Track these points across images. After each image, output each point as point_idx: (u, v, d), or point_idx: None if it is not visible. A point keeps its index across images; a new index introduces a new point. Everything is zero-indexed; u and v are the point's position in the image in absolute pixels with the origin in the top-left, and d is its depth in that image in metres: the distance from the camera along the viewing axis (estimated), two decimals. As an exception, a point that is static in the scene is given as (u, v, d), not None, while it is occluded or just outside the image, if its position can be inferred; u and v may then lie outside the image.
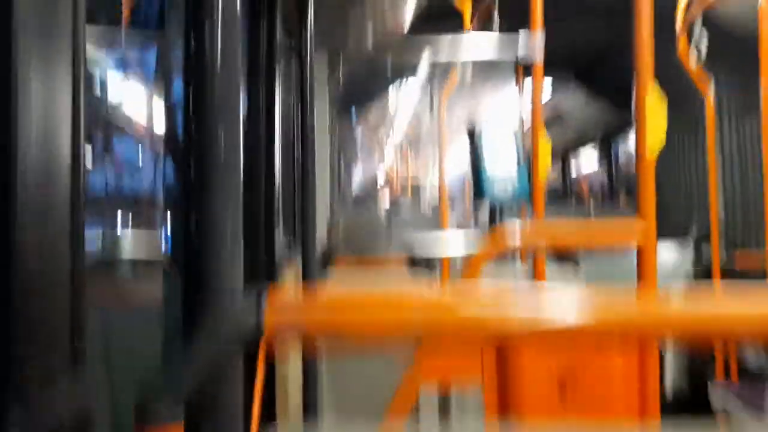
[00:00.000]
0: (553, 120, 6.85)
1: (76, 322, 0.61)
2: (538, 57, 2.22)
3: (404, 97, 7.66)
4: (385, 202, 11.58)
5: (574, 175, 9.77)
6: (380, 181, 14.69)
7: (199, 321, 0.81)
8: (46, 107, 0.57)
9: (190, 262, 0.90)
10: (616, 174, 7.56)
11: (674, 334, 0.68)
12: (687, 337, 0.69)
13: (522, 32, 2.20)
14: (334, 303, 0.61)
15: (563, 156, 8.50)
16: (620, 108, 5.68)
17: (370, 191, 13.89)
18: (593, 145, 7.98)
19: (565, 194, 8.06)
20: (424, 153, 11.36)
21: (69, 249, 0.60)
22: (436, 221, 5.80)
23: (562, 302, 0.64)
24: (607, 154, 7.62)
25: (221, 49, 0.90)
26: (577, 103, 6.31)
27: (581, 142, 8.03)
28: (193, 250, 0.86)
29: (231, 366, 0.72)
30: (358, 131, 10.46)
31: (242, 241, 0.88)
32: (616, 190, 7.49)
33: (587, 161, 9.90)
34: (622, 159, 7.70)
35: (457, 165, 10.71)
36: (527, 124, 2.67)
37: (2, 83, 0.53)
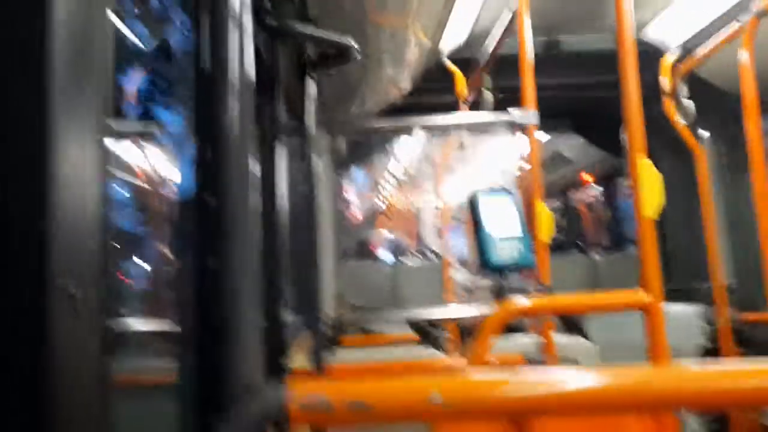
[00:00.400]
0: (554, 159, 6.90)
1: (105, 416, 0.61)
2: (533, 122, 2.28)
3: (403, 154, 7.78)
4: (388, 253, 11.50)
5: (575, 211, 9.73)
6: (381, 232, 14.68)
7: (219, 410, 0.81)
8: (76, 166, 0.60)
9: (206, 347, 0.91)
10: (618, 215, 7.46)
11: (688, 408, 0.69)
12: (701, 409, 0.70)
13: (514, 111, 2.27)
14: (355, 391, 0.62)
15: (564, 195, 8.48)
16: (618, 157, 5.71)
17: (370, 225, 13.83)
18: (595, 185, 7.93)
19: (568, 235, 7.97)
20: (425, 185, 11.41)
21: (97, 325, 0.62)
22: (441, 270, 5.76)
23: (577, 379, 0.65)
24: (609, 195, 7.53)
25: (236, 137, 0.93)
26: (576, 144, 6.35)
27: (582, 182, 8.01)
28: (210, 336, 0.87)
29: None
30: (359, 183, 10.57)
31: (260, 327, 0.90)
32: (621, 231, 7.36)
33: (589, 200, 9.88)
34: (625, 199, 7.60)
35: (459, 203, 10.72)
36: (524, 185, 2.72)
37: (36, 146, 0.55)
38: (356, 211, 12.76)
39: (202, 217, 0.96)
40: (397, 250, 8.36)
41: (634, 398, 0.66)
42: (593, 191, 8.70)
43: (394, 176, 10.52)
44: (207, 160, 0.94)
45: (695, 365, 0.71)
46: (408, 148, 7.90)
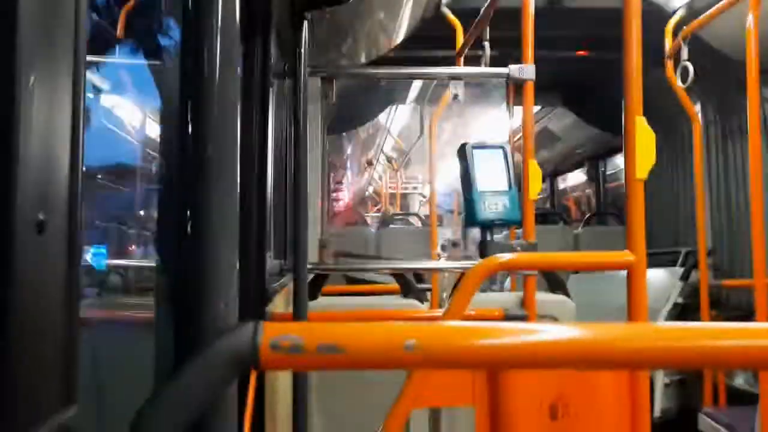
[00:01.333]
0: (543, 138, 6.91)
1: (70, 347, 0.60)
2: (530, 78, 2.24)
3: (396, 115, 7.71)
4: (374, 218, 11.59)
5: (562, 192, 9.85)
6: (370, 197, 14.76)
7: (192, 347, 0.80)
8: (47, 115, 0.58)
9: (182, 286, 0.90)
10: (604, 193, 7.62)
11: (663, 365, 0.69)
12: (676, 367, 0.70)
13: (512, 66, 2.23)
14: (329, 333, 0.61)
15: (552, 174, 8.55)
16: (609, 133, 5.75)
17: (360, 206, 13.92)
18: (582, 164, 8.03)
19: (553, 211, 8.10)
20: (414, 166, 11.44)
21: (65, 256, 0.60)
22: (426, 235, 5.82)
23: (552, 333, 0.65)
24: (595, 174, 7.68)
25: (219, 73, 0.91)
26: (566, 122, 6.38)
27: (570, 160, 8.08)
28: (186, 275, 0.86)
29: (223, 397, 0.72)
30: (349, 147, 10.52)
31: (237, 267, 0.88)
32: (604, 208, 7.53)
33: (575, 180, 9.99)
34: (610, 178, 7.76)
35: (448, 181, 10.79)
36: (518, 145, 2.70)
37: (5, 91, 0.53)
38: (345, 190, 12.76)
39: (183, 157, 0.93)
40: (383, 221, 8.38)
41: (607, 354, 0.66)
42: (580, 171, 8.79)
43: (383, 154, 10.47)
44: (189, 100, 0.92)
45: (670, 324, 0.70)
46: (398, 124, 7.83)
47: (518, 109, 2.44)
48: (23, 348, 0.54)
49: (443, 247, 8.27)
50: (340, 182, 12.71)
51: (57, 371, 0.59)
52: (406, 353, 0.61)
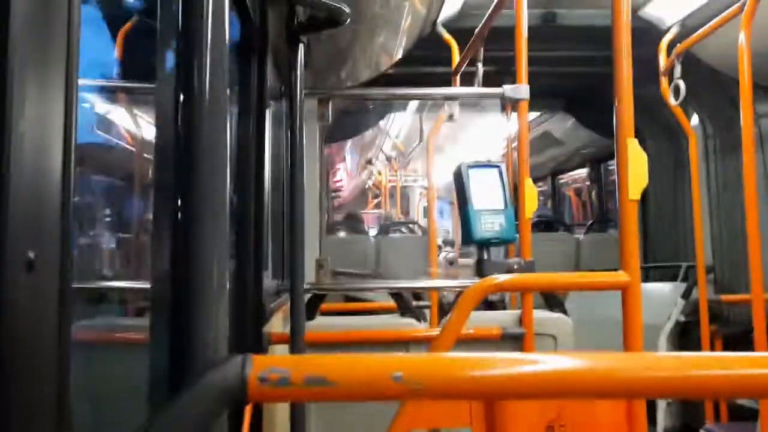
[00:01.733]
0: (543, 140, 6.91)
1: (63, 380, 0.61)
2: (524, 98, 2.26)
3: (395, 123, 7.74)
4: (373, 224, 11.55)
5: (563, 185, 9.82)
6: (370, 195, 14.75)
7: (183, 379, 0.80)
8: (39, 117, 0.58)
9: (173, 316, 0.90)
10: (605, 196, 7.56)
11: (659, 395, 0.69)
12: (672, 397, 0.70)
13: (506, 87, 2.24)
14: (317, 367, 0.61)
15: (553, 177, 8.51)
16: (610, 138, 5.72)
17: (359, 212, 13.91)
18: (583, 165, 7.98)
19: (555, 218, 8.07)
20: (414, 161, 11.47)
21: (58, 270, 0.60)
22: (426, 244, 5.80)
23: (545, 364, 0.65)
24: (596, 176, 7.60)
25: (209, 91, 0.92)
26: (567, 125, 6.36)
27: (571, 162, 8.04)
28: (177, 306, 0.86)
29: (215, 428, 0.72)
30: (347, 152, 10.54)
31: (226, 298, 0.89)
32: (606, 212, 7.47)
33: (577, 182, 9.97)
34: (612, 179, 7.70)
35: (446, 176, 10.74)
36: (514, 160, 2.70)
37: None
38: (345, 187, 12.76)
39: (175, 179, 0.94)
40: (384, 225, 8.40)
41: (602, 386, 0.66)
42: (582, 174, 8.76)
43: (383, 153, 10.50)
44: (181, 120, 0.93)
45: (668, 354, 0.71)
46: (398, 125, 7.87)
47: (515, 115, 2.45)
48: (16, 387, 0.54)
49: (444, 242, 8.26)
50: (338, 184, 12.72)
51: (50, 408, 0.59)
52: (395, 385, 0.62)
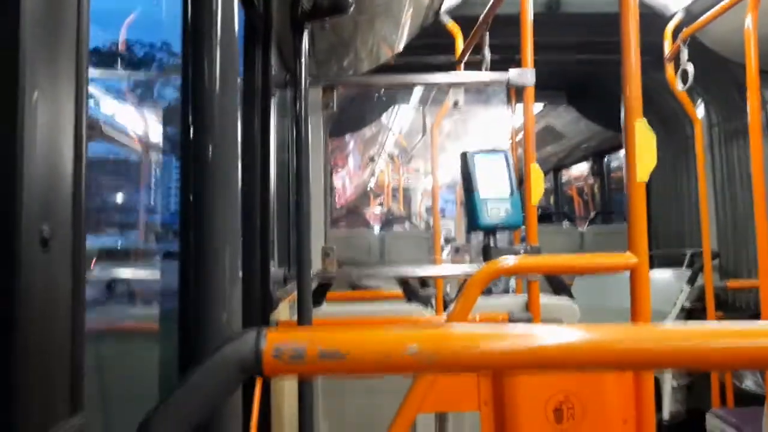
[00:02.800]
0: (545, 134, 6.90)
1: (76, 357, 0.61)
2: (530, 83, 2.25)
3: (398, 115, 7.73)
4: (377, 218, 11.58)
5: (566, 188, 9.83)
6: (372, 195, 14.78)
7: (196, 355, 0.81)
8: (50, 120, 0.58)
9: (187, 294, 0.91)
10: (608, 189, 7.57)
11: (667, 366, 0.69)
12: (680, 367, 0.70)
13: (511, 71, 2.23)
14: (331, 340, 0.62)
15: (555, 170, 8.51)
16: (612, 130, 5.73)
17: (362, 205, 13.94)
18: (586, 159, 7.98)
19: (558, 211, 8.07)
20: (416, 159, 11.48)
21: (70, 269, 0.61)
22: (429, 238, 5.81)
23: (556, 334, 0.65)
24: (599, 170, 7.62)
25: (219, 81, 0.92)
26: (569, 119, 6.36)
27: (573, 156, 8.05)
28: (190, 283, 0.87)
29: (228, 402, 0.72)
30: (350, 147, 10.54)
31: (240, 276, 0.89)
32: (609, 204, 7.49)
33: (580, 175, 9.97)
34: (614, 174, 7.72)
35: (449, 173, 10.77)
36: (520, 143, 2.70)
37: (8, 107, 0.54)
38: (347, 186, 12.77)
39: (186, 168, 0.95)
40: (387, 220, 8.42)
41: (612, 356, 0.66)
42: (584, 167, 8.75)
43: (385, 151, 10.51)
44: (191, 110, 0.93)
45: (675, 325, 0.71)
46: (400, 120, 7.85)
47: (520, 107, 2.44)
48: (31, 361, 0.54)
49: (446, 240, 8.28)
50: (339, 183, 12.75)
51: (64, 382, 0.59)
52: (409, 358, 0.62)
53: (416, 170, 13.10)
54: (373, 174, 13.08)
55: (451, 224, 11.53)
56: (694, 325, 0.69)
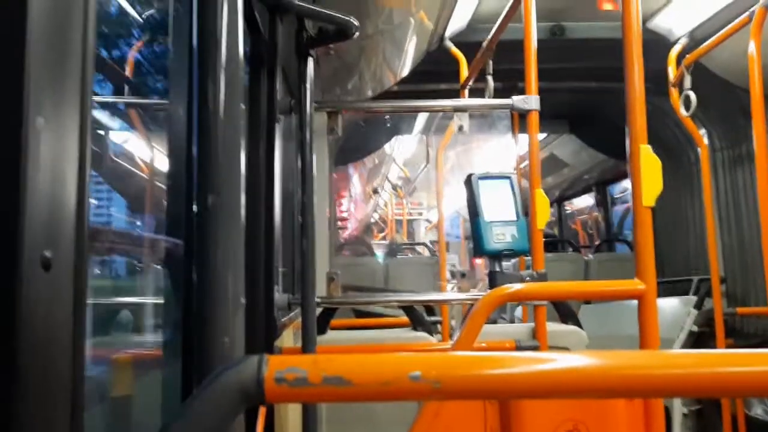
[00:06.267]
0: (549, 163, 6.91)
1: (77, 381, 0.60)
2: (534, 108, 2.26)
3: (401, 145, 7.77)
4: (380, 246, 11.56)
5: (569, 215, 9.82)
6: (375, 224, 14.79)
7: (198, 383, 0.80)
8: (53, 143, 0.58)
9: (190, 321, 0.90)
10: (611, 218, 7.57)
11: (679, 393, 0.68)
12: (690, 395, 0.68)
13: (515, 98, 2.25)
14: (334, 366, 0.60)
15: (559, 199, 8.52)
16: (615, 158, 5.75)
17: (366, 234, 13.94)
18: (589, 189, 8.00)
19: (563, 239, 8.05)
20: (419, 193, 11.50)
21: (72, 292, 0.60)
22: (434, 265, 5.77)
23: (565, 362, 0.64)
24: (603, 199, 7.64)
25: (224, 108, 0.92)
26: (572, 148, 6.38)
27: (577, 186, 8.06)
28: (193, 310, 0.86)
29: (230, 429, 0.71)
30: (354, 179, 10.57)
31: (243, 302, 0.88)
32: (613, 233, 7.48)
33: (583, 204, 9.97)
34: (618, 203, 7.73)
35: (452, 206, 10.75)
36: (524, 172, 2.70)
37: (12, 130, 0.54)
38: (352, 216, 12.82)
39: (189, 194, 0.95)
40: (390, 249, 8.41)
41: (624, 382, 0.64)
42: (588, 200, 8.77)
43: (389, 182, 10.55)
44: (195, 137, 0.93)
45: (685, 352, 0.69)
46: (403, 151, 7.90)
47: (523, 136, 2.45)
48: (30, 386, 0.54)
49: (452, 274, 8.25)
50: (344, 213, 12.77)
51: (63, 408, 0.58)
52: (413, 384, 0.61)
53: (419, 203, 13.14)
54: (376, 207, 13.12)
55: (455, 258, 11.48)
56: (703, 351, 0.67)
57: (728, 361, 0.65)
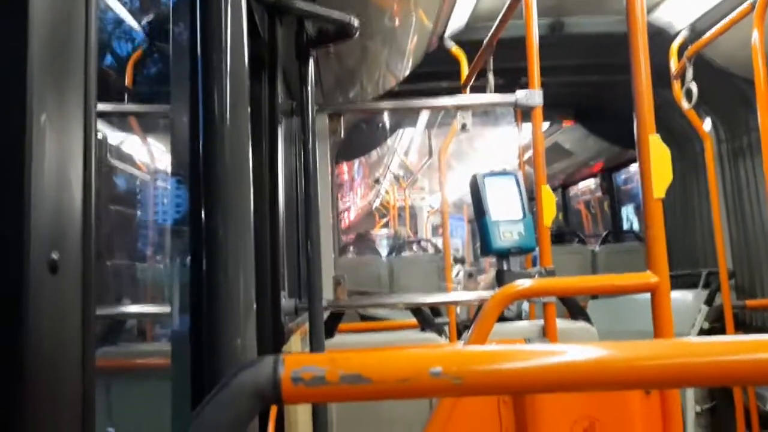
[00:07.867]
0: (553, 151, 6.86)
1: (87, 384, 0.59)
2: (538, 104, 2.24)
3: (403, 140, 7.75)
4: (384, 242, 11.53)
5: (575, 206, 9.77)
6: (378, 215, 14.79)
7: (211, 386, 0.78)
8: (59, 145, 0.57)
9: (200, 326, 0.88)
10: (618, 206, 7.47)
11: (692, 382, 0.66)
12: (705, 383, 0.66)
13: (519, 93, 2.23)
14: (352, 363, 0.59)
15: (564, 187, 8.45)
16: (621, 146, 5.68)
17: (368, 226, 13.93)
18: (594, 176, 7.91)
19: (569, 230, 7.99)
20: (421, 179, 11.49)
21: (80, 294, 0.59)
22: (440, 263, 5.72)
23: (581, 353, 0.62)
24: (609, 187, 7.53)
25: (230, 113, 0.91)
26: (577, 136, 6.32)
27: (582, 174, 7.99)
28: (203, 314, 0.84)
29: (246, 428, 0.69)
30: (355, 168, 10.58)
31: (254, 304, 0.87)
32: (619, 223, 7.38)
33: (586, 189, 9.91)
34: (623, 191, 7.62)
35: (457, 197, 10.72)
36: (528, 161, 2.68)
37: (17, 132, 0.53)
38: (352, 207, 12.80)
39: (196, 198, 0.93)
40: (395, 245, 8.38)
41: (640, 372, 0.63)
42: (593, 184, 8.70)
43: (390, 172, 10.54)
44: (201, 143, 0.92)
45: (702, 340, 0.67)
46: (405, 142, 7.89)
47: (527, 126, 2.43)
48: (38, 390, 0.52)
49: (455, 260, 8.23)
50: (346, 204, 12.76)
51: (73, 413, 0.57)
52: (434, 380, 0.59)
53: (421, 188, 13.11)
54: (378, 195, 13.09)
55: (459, 243, 11.42)
56: (717, 339, 0.65)
57: (741, 349, 0.63)
